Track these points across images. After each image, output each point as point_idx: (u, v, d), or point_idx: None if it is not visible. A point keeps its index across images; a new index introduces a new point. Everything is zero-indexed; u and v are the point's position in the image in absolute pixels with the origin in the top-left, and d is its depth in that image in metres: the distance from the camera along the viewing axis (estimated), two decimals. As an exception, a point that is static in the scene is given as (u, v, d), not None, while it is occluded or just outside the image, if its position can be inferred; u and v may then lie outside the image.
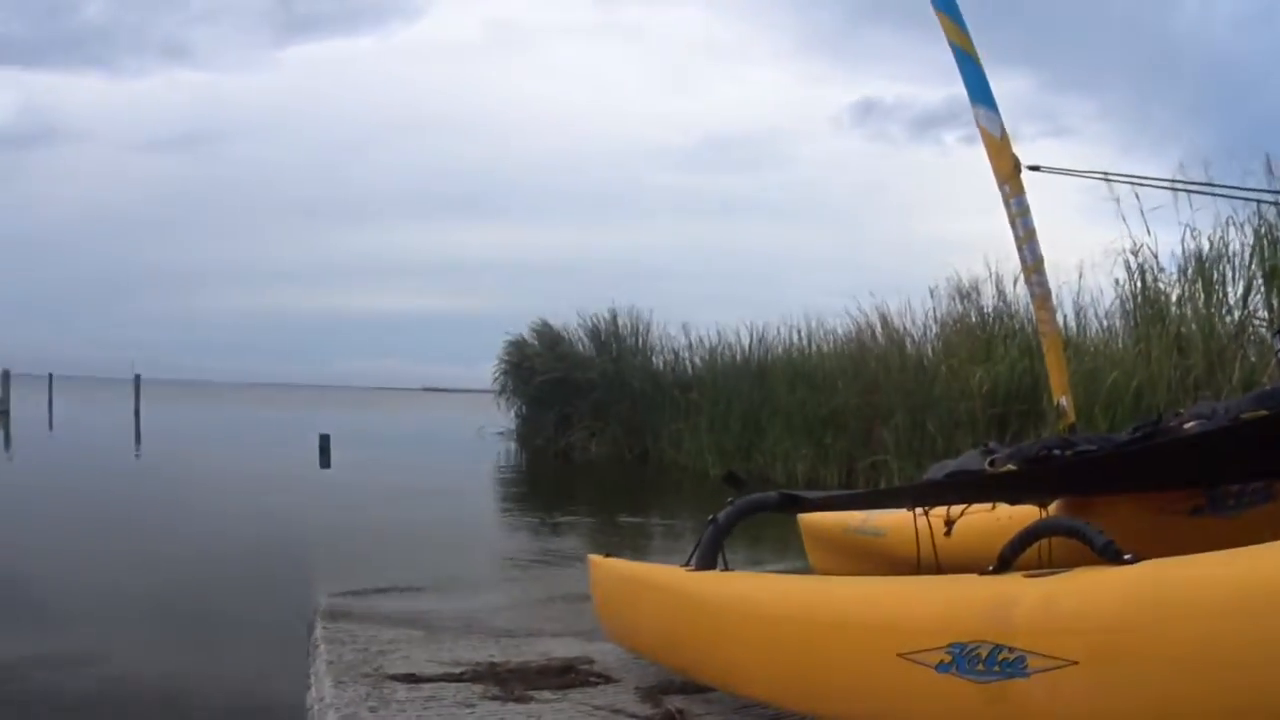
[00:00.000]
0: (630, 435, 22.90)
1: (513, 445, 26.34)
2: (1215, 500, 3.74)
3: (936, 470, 4.59)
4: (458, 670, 4.24)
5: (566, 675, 4.17)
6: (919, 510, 4.48)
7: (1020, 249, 5.99)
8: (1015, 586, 2.45)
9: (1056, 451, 3.69)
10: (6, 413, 35.33)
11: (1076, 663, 2.14)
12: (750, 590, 3.55)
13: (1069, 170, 5.88)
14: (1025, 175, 5.81)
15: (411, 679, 4.09)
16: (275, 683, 4.92)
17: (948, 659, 2.38)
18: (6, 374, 38.41)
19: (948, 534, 4.53)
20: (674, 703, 3.70)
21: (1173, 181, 8.70)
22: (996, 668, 2.28)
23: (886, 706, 2.71)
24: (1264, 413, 3.00)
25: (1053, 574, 2.40)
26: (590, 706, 3.71)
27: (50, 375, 45.99)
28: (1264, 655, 1.92)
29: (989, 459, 3.88)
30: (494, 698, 3.83)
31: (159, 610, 6.94)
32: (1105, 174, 6.52)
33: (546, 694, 3.89)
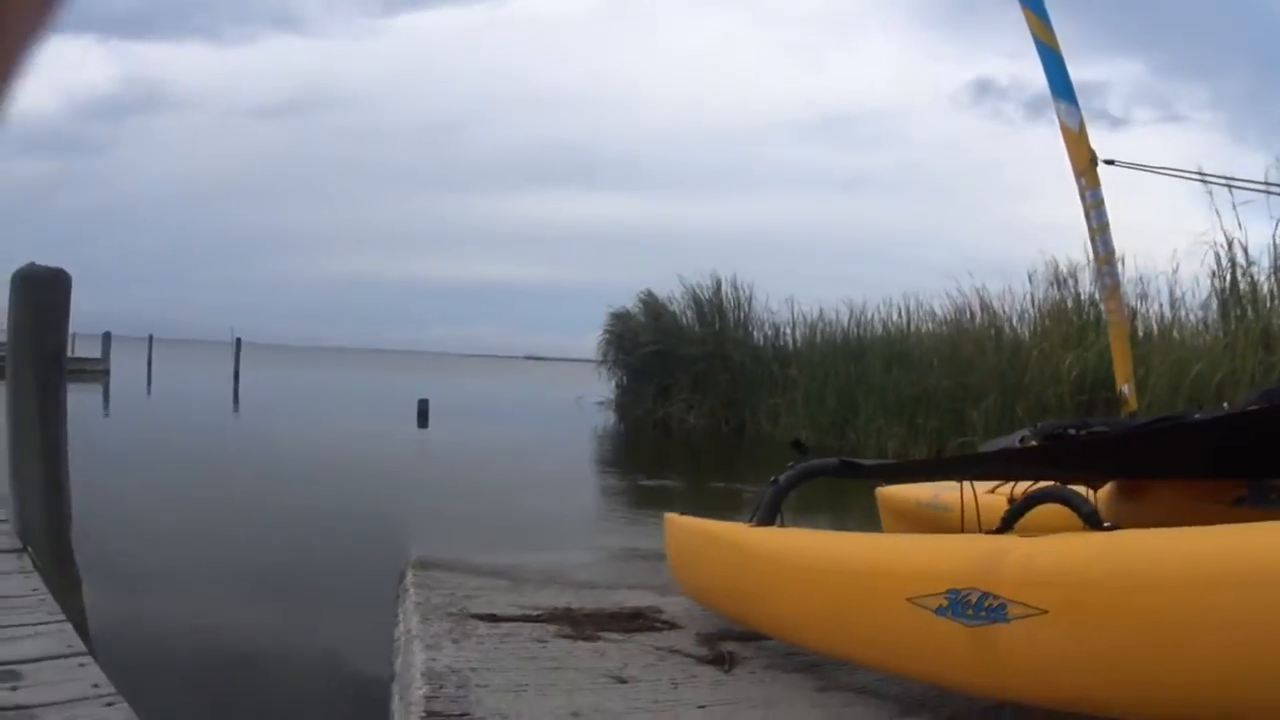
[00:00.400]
0: (728, 408, 23.08)
1: (612, 415, 26.60)
2: (1257, 492, 3.82)
3: (988, 446, 4.88)
4: (535, 613, 4.56)
5: (635, 620, 4.49)
6: (987, 489, 4.70)
7: (1094, 240, 6.19)
8: (1006, 544, 2.79)
9: (1071, 430, 3.95)
10: (107, 372, 36.12)
11: (1047, 612, 2.45)
12: (793, 544, 3.88)
13: (1143, 166, 6.03)
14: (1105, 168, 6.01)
15: (492, 618, 4.42)
16: (365, 629, 5.31)
17: (945, 604, 2.71)
18: (107, 335, 39.30)
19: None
20: (728, 647, 4.01)
21: (1265, 184, 8.70)
22: (984, 613, 2.60)
23: (895, 648, 3.07)
24: (1255, 406, 3.23)
25: (1042, 536, 2.69)
26: (652, 647, 4.04)
27: (150, 337, 46.93)
28: (1214, 626, 2.18)
29: (1020, 436, 4.14)
30: (565, 636, 4.17)
31: (260, 562, 7.37)
32: (1183, 171, 6.62)
33: (614, 635, 4.22)
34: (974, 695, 2.99)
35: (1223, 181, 7.92)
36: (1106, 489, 4.37)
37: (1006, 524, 3.34)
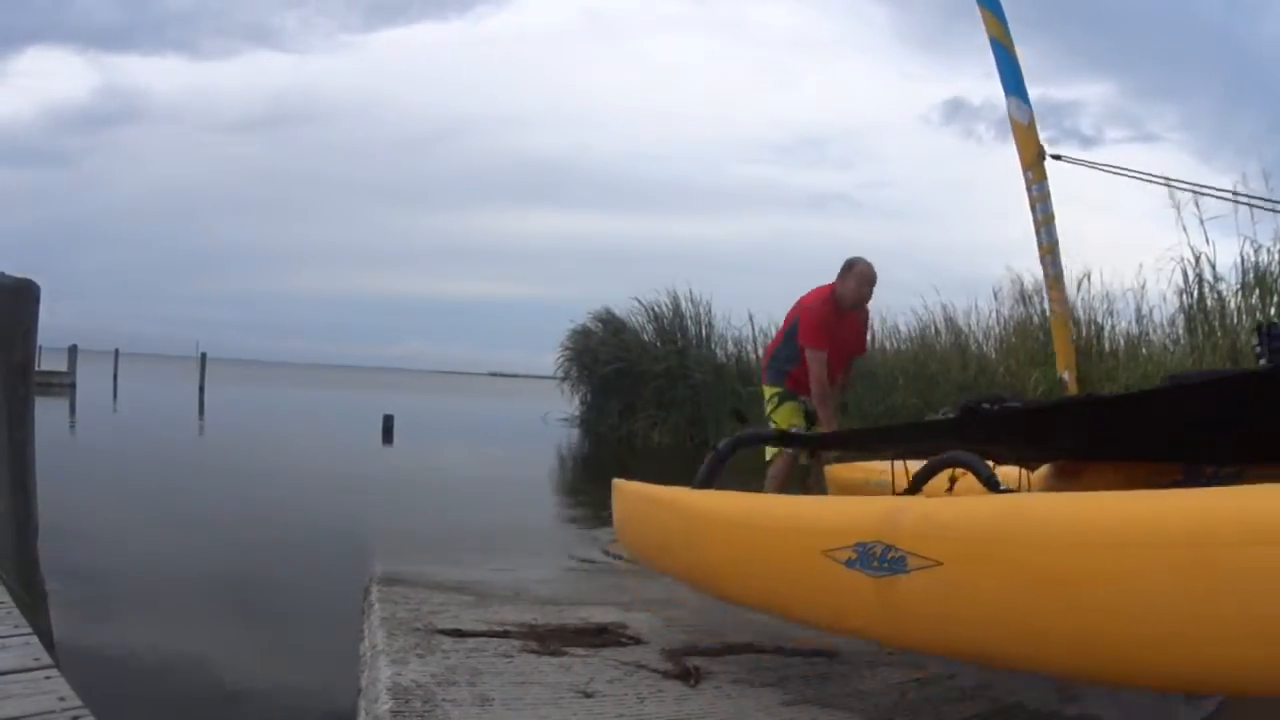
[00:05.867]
0: (692, 425, 23.12)
1: (576, 432, 26.58)
2: (1191, 478, 3.88)
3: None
4: (501, 628, 4.56)
5: (600, 636, 4.50)
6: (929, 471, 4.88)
7: (1038, 231, 6.39)
8: (910, 501, 3.02)
9: (985, 405, 4.12)
10: (73, 386, 35.96)
11: (942, 564, 2.63)
12: (725, 504, 4.05)
13: (1089, 162, 6.17)
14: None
15: (457, 633, 4.40)
16: (330, 643, 5.30)
17: (854, 556, 2.90)
18: (74, 349, 39.15)
19: (949, 491, 4.88)
20: (694, 662, 4.02)
21: (1233, 193, 8.79)
22: (886, 564, 2.79)
23: (810, 598, 3.28)
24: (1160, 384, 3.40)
25: (942, 496, 2.85)
26: (617, 662, 4.04)
27: (116, 351, 46.81)
28: (1101, 586, 2.31)
29: (944, 411, 4.33)
30: (531, 651, 4.16)
31: (223, 577, 7.33)
32: (1132, 170, 6.61)
33: (579, 650, 4.22)
34: (879, 643, 3.25)
35: (1185, 186, 7.98)
36: (1042, 472, 4.57)
37: (915, 486, 3.57)
